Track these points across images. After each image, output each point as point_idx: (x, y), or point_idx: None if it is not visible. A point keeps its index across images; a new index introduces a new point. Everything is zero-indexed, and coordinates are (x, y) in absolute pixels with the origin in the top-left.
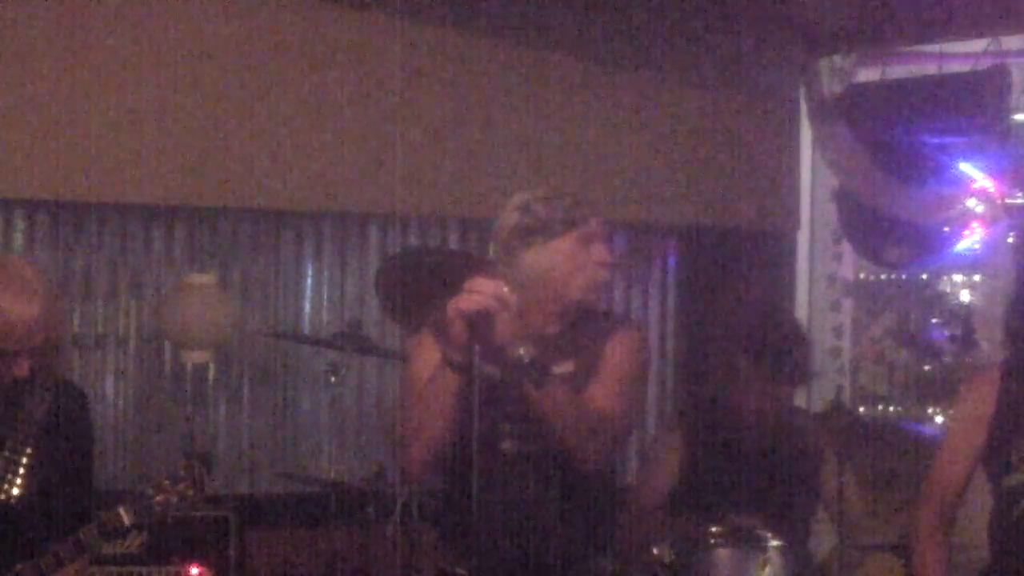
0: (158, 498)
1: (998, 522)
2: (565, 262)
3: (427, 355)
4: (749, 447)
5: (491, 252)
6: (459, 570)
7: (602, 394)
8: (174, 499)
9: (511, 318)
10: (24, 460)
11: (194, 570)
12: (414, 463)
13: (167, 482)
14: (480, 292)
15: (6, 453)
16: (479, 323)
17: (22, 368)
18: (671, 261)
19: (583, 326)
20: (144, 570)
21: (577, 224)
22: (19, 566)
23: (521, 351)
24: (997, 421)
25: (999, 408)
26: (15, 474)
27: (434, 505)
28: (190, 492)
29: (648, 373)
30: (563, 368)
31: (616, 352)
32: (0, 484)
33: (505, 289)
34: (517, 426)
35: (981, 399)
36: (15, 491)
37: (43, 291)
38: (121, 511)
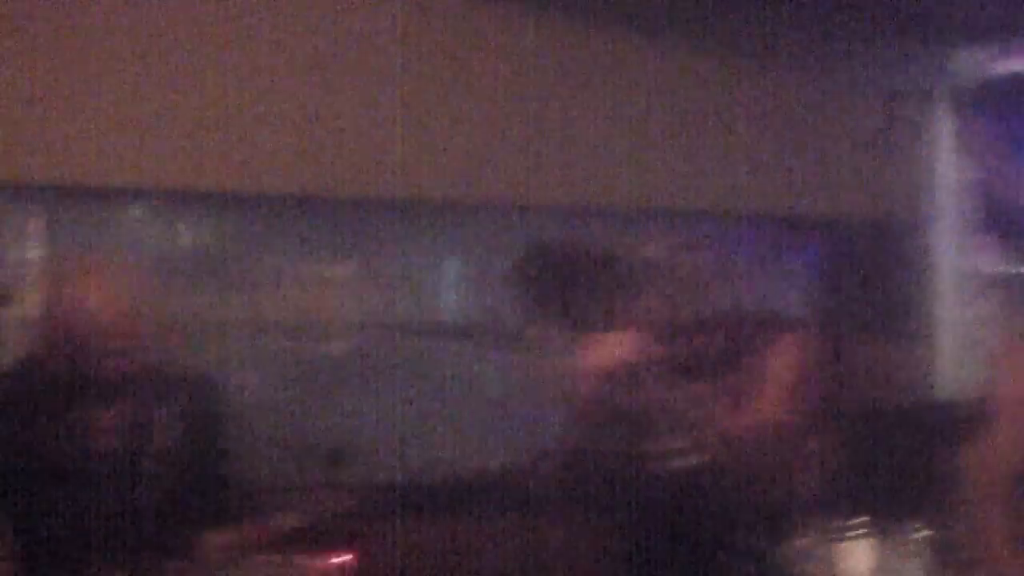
0: (320, 500)
1: None
2: None
3: (597, 354)
4: (888, 433)
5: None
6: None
7: (767, 402)
8: (332, 503)
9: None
10: (160, 452)
11: (342, 558)
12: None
13: (328, 486)
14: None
15: (143, 448)
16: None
17: (113, 367)
18: (812, 254)
19: (740, 341)
20: (293, 558)
21: None
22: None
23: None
24: None
25: None
26: (154, 467)
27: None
28: (355, 499)
29: (815, 372)
30: (728, 380)
31: (779, 357)
32: (140, 479)
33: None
34: (680, 437)
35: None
36: (156, 484)
37: (133, 293)
38: (286, 514)
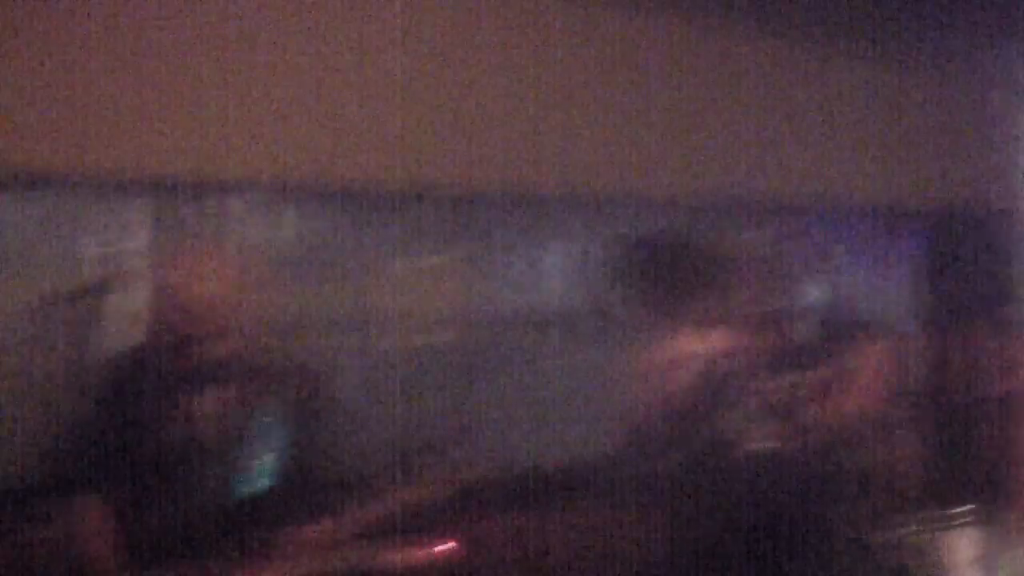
0: (418, 492)
1: None
2: None
3: (680, 345)
4: (988, 418)
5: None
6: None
7: (851, 398)
8: (427, 493)
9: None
10: (259, 440)
11: (440, 547)
12: (638, 432)
13: (424, 475)
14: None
15: (242, 436)
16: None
17: (213, 352)
18: (915, 244)
19: (834, 334)
20: (389, 550)
21: None
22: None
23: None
24: None
25: None
26: (253, 454)
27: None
28: (447, 488)
29: (899, 379)
30: (817, 373)
31: (868, 359)
32: (239, 467)
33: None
34: (761, 424)
35: None
36: (254, 472)
37: (228, 276)
38: (376, 501)
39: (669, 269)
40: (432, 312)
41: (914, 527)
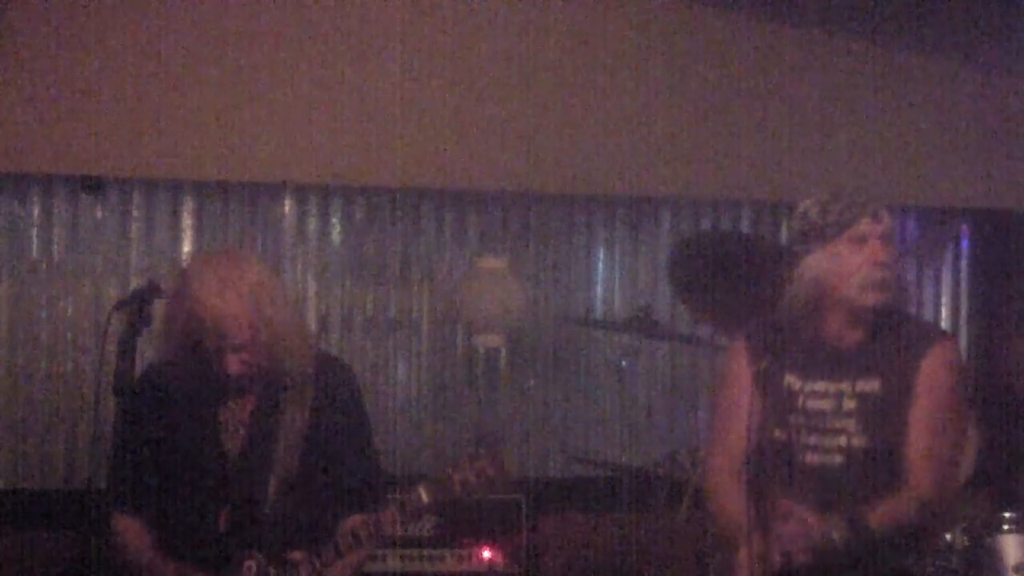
0: (457, 477)
1: None
2: (839, 264)
3: (740, 368)
4: None
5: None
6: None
7: (927, 427)
8: (473, 478)
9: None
10: (299, 441)
11: (485, 553)
12: (711, 474)
13: (467, 461)
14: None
15: (279, 441)
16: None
17: (233, 364)
18: (964, 244)
19: (887, 336)
20: (436, 553)
21: (850, 225)
22: (321, 550)
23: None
24: None
25: None
26: (293, 453)
27: None
28: (490, 472)
29: (968, 391)
30: (868, 386)
31: (934, 373)
32: (279, 466)
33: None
34: (816, 437)
35: None
36: (293, 470)
37: (251, 290)
38: (421, 490)
39: (722, 269)
40: (489, 313)
41: (961, 529)
